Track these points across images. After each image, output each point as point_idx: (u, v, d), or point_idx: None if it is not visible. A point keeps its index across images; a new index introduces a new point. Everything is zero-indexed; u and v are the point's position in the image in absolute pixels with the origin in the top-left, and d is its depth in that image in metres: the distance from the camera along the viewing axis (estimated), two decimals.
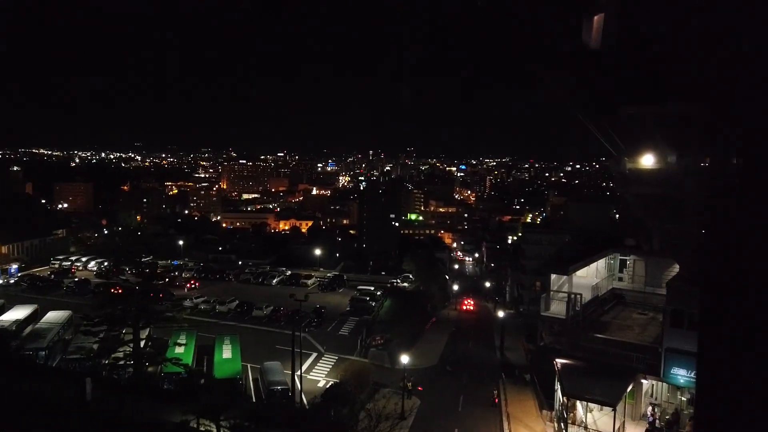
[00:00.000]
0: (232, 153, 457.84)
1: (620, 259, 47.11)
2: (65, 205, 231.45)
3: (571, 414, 35.06)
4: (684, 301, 30.84)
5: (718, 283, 18.00)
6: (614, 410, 31.39)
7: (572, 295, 36.16)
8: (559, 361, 35.86)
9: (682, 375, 31.47)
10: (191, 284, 77.20)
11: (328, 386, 42.52)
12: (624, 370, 33.59)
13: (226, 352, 45.65)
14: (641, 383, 34.48)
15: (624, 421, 34.04)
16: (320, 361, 53.40)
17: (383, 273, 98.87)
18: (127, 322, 37.64)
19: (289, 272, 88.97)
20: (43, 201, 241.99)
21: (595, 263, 45.17)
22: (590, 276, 45.45)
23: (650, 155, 33.13)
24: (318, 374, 49.98)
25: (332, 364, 52.31)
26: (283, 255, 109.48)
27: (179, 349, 45.26)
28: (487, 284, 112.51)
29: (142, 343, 42.00)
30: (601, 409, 33.75)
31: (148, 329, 48.40)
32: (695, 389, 23.76)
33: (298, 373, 49.05)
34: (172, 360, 38.36)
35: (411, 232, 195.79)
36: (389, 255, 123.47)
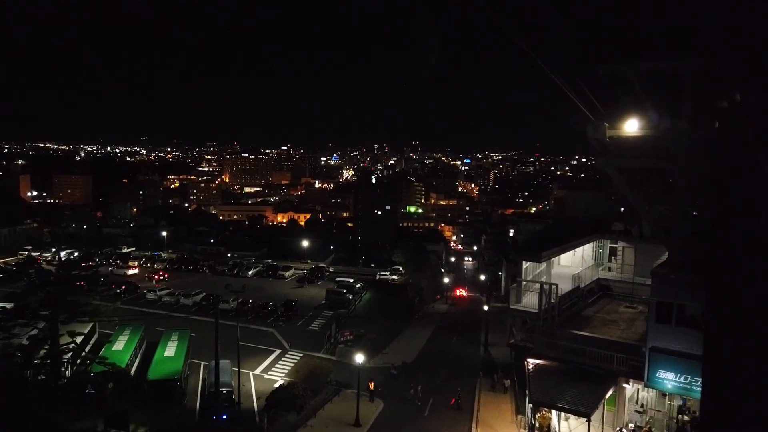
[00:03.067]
0: (237, 147, 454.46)
1: (610, 247, 42.19)
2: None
3: (539, 417, 30.34)
4: (672, 291, 26.03)
5: (727, 277, 15.27)
6: (588, 421, 26.61)
7: (545, 285, 31.30)
8: (531, 361, 31.09)
9: (669, 379, 26.58)
10: (159, 275, 73.04)
11: (274, 388, 37.86)
12: (603, 373, 28.79)
13: (169, 350, 41.26)
14: (624, 388, 29.62)
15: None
16: (283, 358, 49.07)
17: (373, 265, 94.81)
18: (42, 315, 33.27)
19: (276, 263, 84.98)
20: (44, 193, 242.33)
21: (580, 250, 40.35)
22: (575, 265, 40.64)
23: (634, 120, 28.33)
24: (278, 373, 45.55)
25: (295, 361, 47.90)
26: (275, 247, 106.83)
27: (117, 346, 41.01)
28: (482, 277, 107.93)
29: (79, 341, 37.93)
30: (578, 417, 29.01)
31: (90, 325, 44.40)
32: (701, 392, 19.35)
33: (256, 372, 45.25)
34: (98, 359, 34.14)
35: (410, 224, 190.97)
36: (383, 247, 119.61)
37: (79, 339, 39.26)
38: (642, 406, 30.55)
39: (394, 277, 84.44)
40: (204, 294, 63.11)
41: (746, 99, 14.67)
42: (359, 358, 36.39)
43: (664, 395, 29.27)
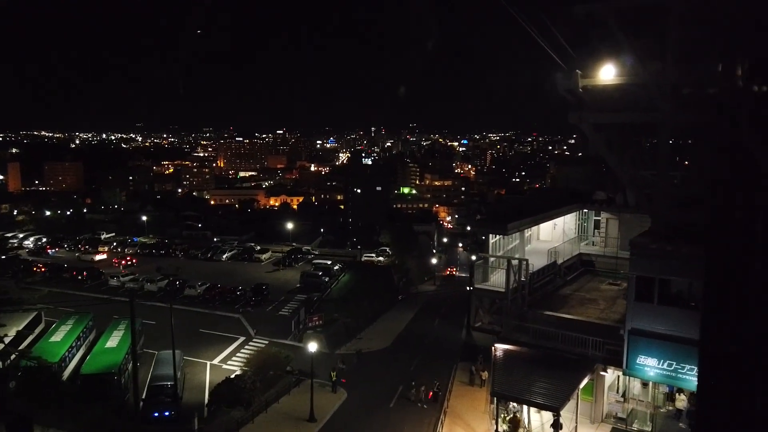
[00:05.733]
0: (233, 132, 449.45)
1: (595, 219, 38.37)
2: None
3: (504, 408, 26.85)
4: (654, 264, 22.32)
5: (729, 252, 15.00)
6: (558, 416, 23.04)
7: (514, 261, 27.54)
8: (498, 346, 27.46)
9: (650, 366, 22.94)
10: (126, 261, 69.54)
11: (220, 381, 34.45)
12: (578, 360, 25.17)
13: (113, 341, 37.75)
14: (602, 375, 26.02)
15: (577, 425, 25.84)
16: (246, 346, 45.68)
17: (359, 247, 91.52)
18: None
19: (253, 246, 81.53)
20: (36, 181, 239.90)
21: (561, 222, 36.60)
22: (556, 239, 36.89)
23: (611, 66, 24.35)
24: (237, 363, 42.06)
25: (258, 350, 44.43)
26: (264, 230, 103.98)
27: (55, 338, 37.56)
28: (473, 257, 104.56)
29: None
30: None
31: (34, 314, 41.07)
32: (697, 383, 16.57)
33: (213, 362, 41.79)
34: (19, 353, 30.73)
35: (404, 206, 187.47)
36: (373, 229, 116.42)
37: (12, 331, 36.12)
38: (623, 395, 27.00)
39: (381, 258, 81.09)
40: (169, 279, 59.55)
41: None
42: (312, 346, 32.89)
43: (647, 383, 25.71)
